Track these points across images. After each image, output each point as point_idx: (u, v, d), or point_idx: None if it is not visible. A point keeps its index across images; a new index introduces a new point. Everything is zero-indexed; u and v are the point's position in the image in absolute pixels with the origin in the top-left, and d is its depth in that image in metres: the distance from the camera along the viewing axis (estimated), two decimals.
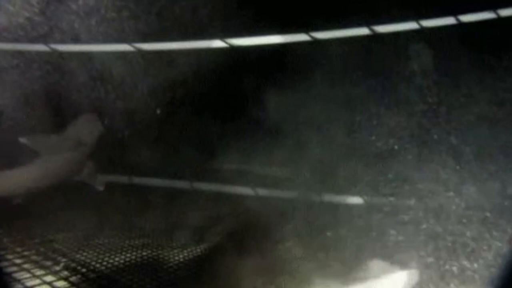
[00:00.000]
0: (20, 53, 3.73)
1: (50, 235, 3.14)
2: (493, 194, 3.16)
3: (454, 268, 2.92)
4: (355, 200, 3.99)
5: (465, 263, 2.91)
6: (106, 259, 2.98)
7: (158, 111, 4.02)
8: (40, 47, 3.78)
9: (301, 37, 3.84)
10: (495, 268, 2.66)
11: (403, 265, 2.92)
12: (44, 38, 3.73)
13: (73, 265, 2.79)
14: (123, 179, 4.37)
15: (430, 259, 3.00)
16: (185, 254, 3.23)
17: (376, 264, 2.95)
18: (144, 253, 3.16)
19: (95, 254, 3.03)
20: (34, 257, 2.79)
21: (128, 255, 3.09)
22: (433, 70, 3.56)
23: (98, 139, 3.56)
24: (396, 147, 3.54)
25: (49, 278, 2.59)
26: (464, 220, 3.11)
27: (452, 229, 3.10)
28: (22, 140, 3.10)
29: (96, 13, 3.71)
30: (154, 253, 3.19)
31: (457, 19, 3.58)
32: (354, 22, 3.73)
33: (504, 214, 3.06)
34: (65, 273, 2.68)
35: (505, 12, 3.49)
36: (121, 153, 4.01)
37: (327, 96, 3.81)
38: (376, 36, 3.74)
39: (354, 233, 3.24)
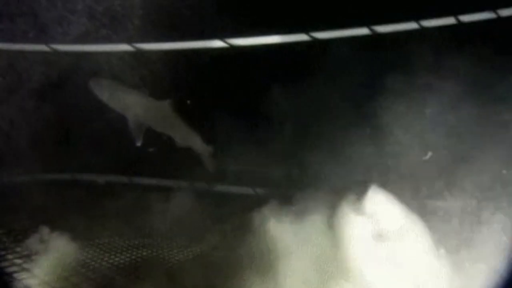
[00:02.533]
0: (21, 53, 3.73)
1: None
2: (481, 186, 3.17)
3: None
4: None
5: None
6: (106, 259, 2.98)
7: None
8: (40, 47, 3.78)
9: (301, 37, 3.85)
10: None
11: None
12: (44, 38, 3.73)
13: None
14: (123, 179, 4.37)
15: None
16: (185, 254, 3.23)
17: None
18: (144, 253, 3.16)
19: (95, 254, 3.03)
20: (34, 257, 2.78)
21: (128, 255, 3.09)
22: (433, 69, 3.56)
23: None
24: (396, 145, 3.54)
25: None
26: None
27: None
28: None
29: (97, 13, 3.72)
30: (154, 253, 3.19)
31: (457, 19, 3.59)
32: (354, 22, 3.73)
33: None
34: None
35: (505, 12, 3.49)
36: (121, 153, 4.02)
37: (327, 96, 3.81)
38: (376, 36, 3.74)
39: None
